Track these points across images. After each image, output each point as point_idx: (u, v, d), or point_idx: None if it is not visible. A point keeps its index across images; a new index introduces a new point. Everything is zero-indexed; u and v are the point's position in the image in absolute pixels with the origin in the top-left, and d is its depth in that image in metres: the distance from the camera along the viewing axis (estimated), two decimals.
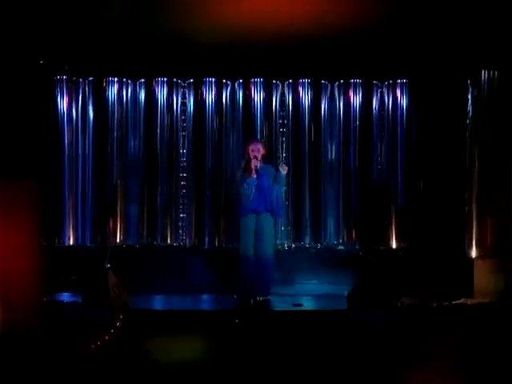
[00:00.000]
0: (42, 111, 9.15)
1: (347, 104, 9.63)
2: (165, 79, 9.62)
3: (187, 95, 9.65)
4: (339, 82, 9.63)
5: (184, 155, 9.66)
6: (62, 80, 9.55)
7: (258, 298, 8.13)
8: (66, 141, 9.55)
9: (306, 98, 9.61)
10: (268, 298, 8.21)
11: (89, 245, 9.54)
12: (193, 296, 8.60)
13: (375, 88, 9.60)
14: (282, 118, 9.68)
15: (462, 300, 8.21)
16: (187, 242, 9.63)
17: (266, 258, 8.25)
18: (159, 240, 9.61)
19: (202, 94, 9.63)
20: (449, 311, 7.71)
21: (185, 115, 9.67)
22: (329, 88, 9.64)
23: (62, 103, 9.55)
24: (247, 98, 9.64)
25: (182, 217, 9.65)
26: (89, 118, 9.61)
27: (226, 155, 9.59)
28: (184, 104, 9.66)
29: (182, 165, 9.65)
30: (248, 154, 8.29)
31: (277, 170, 8.34)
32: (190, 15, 7.82)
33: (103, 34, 8.45)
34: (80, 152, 9.56)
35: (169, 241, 9.62)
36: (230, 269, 8.57)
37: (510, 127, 8.73)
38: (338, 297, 7.94)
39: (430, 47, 8.73)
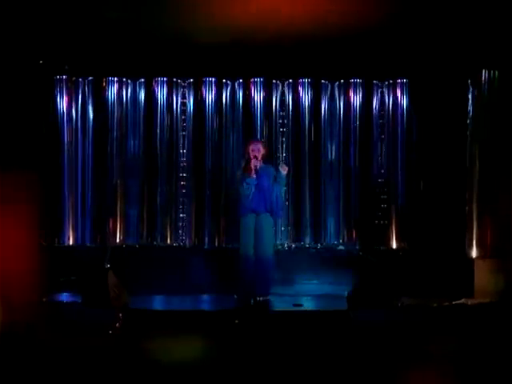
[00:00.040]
0: (41, 111, 9.15)
1: (347, 104, 9.62)
2: (165, 79, 9.62)
3: (187, 95, 9.64)
4: (339, 82, 9.62)
5: (184, 155, 9.66)
6: (61, 80, 9.54)
7: (258, 298, 8.12)
8: (66, 141, 9.54)
9: (306, 97, 9.60)
10: (268, 298, 8.21)
11: (88, 245, 9.53)
12: (193, 296, 8.60)
13: (375, 88, 9.59)
14: (282, 117, 9.67)
15: (463, 300, 8.21)
16: (187, 242, 9.62)
17: (266, 258, 8.25)
18: (159, 240, 9.60)
19: (202, 93, 9.63)
20: (449, 311, 7.70)
21: (185, 115, 9.66)
22: (329, 88, 9.63)
23: (62, 103, 9.54)
24: (247, 97, 9.63)
25: (182, 217, 9.65)
26: (89, 117, 9.60)
27: (226, 155, 9.58)
28: (184, 104, 9.66)
29: (181, 165, 9.64)
30: (248, 153, 8.29)
31: (277, 170, 8.33)
32: (189, 15, 7.81)
33: (103, 34, 8.44)
34: (80, 152, 9.56)
35: (169, 241, 9.61)
36: (230, 269, 8.57)
37: (510, 127, 8.72)
38: (338, 297, 7.93)
39: (430, 47, 8.72)
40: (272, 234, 8.51)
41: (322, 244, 9.58)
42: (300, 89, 9.61)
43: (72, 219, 9.52)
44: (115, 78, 9.58)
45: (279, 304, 8.05)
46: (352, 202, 9.58)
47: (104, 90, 9.59)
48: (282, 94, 9.66)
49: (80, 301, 7.63)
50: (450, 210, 9.08)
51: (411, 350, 6.21)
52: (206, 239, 9.59)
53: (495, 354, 6.08)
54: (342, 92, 9.61)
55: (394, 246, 9.52)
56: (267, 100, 9.63)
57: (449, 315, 7.46)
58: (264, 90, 9.62)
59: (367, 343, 6.40)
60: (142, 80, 9.63)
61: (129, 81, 9.62)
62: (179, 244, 9.62)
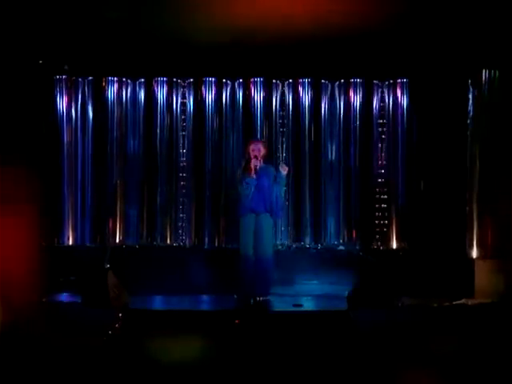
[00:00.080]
0: (41, 111, 9.13)
1: (347, 104, 9.61)
2: (164, 79, 9.61)
3: (187, 95, 9.64)
4: (339, 82, 9.62)
5: (184, 155, 9.65)
6: (61, 80, 9.54)
7: (258, 299, 8.11)
8: (66, 141, 9.54)
9: (306, 97, 9.60)
10: (268, 298, 8.20)
11: (88, 245, 9.53)
12: (192, 296, 8.58)
13: (376, 88, 9.59)
14: (282, 117, 9.67)
15: (463, 300, 8.20)
16: (187, 242, 9.62)
17: (266, 258, 8.24)
18: (159, 240, 9.59)
19: (202, 93, 9.62)
20: (449, 311, 7.70)
21: (185, 115, 9.65)
22: (329, 88, 9.62)
23: (62, 103, 9.54)
24: (247, 97, 9.63)
25: (182, 217, 9.64)
26: (88, 117, 9.60)
27: (225, 155, 9.57)
28: (184, 104, 9.65)
29: (181, 165, 9.64)
30: (248, 153, 8.29)
31: (277, 170, 8.32)
32: (189, 15, 7.80)
33: (103, 34, 8.43)
34: (79, 152, 9.56)
35: (168, 241, 9.61)
36: (230, 269, 8.55)
37: (510, 127, 8.71)
38: (338, 297, 7.93)
39: (430, 47, 8.71)
40: (272, 234, 8.50)
41: (322, 244, 9.58)
42: (300, 89, 9.61)
43: (72, 219, 9.52)
44: (115, 78, 9.58)
45: (279, 304, 8.04)
46: (352, 202, 9.58)
47: (104, 90, 9.59)
48: (282, 93, 9.66)
49: (80, 301, 7.62)
50: (451, 210, 9.08)
51: (411, 350, 6.21)
52: (206, 239, 9.58)
53: (495, 354, 6.07)
54: (342, 92, 9.61)
55: (395, 246, 9.51)
56: (267, 100, 9.63)
57: (449, 315, 7.46)
58: (264, 90, 9.61)
59: (367, 343, 6.40)
60: (142, 80, 9.63)
61: (129, 81, 9.62)
62: (179, 244, 9.62)
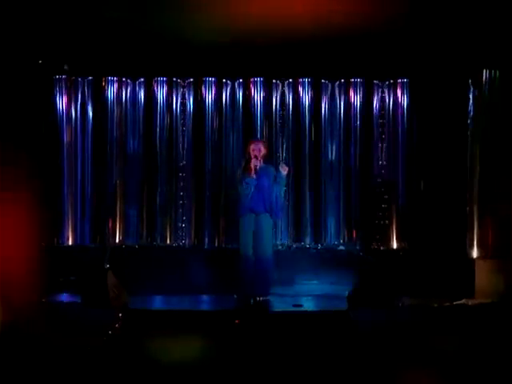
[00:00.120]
0: (41, 111, 9.13)
1: (348, 104, 9.61)
2: (164, 79, 9.61)
3: (187, 95, 9.63)
4: (340, 82, 9.62)
5: (184, 155, 9.64)
6: (61, 79, 9.54)
7: (258, 299, 8.11)
8: (66, 141, 9.54)
9: (306, 97, 9.59)
10: (268, 298, 8.19)
11: (88, 245, 9.51)
12: (192, 296, 8.57)
13: (376, 87, 9.59)
14: (282, 117, 9.66)
15: (463, 300, 8.19)
16: (187, 243, 9.61)
17: (266, 258, 8.23)
18: (159, 240, 9.59)
19: (202, 93, 9.62)
20: (450, 312, 7.69)
21: (184, 115, 9.65)
22: (329, 87, 9.62)
23: (62, 103, 9.54)
24: (247, 97, 9.62)
25: (182, 217, 9.63)
26: (88, 117, 9.60)
27: (225, 155, 9.57)
28: (184, 104, 9.65)
29: (181, 165, 9.63)
30: (248, 153, 8.28)
31: (277, 170, 8.31)
32: (189, 15, 7.80)
33: (102, 34, 8.43)
34: (79, 152, 9.56)
35: (168, 241, 9.60)
36: (230, 269, 8.54)
37: (511, 127, 8.71)
38: (338, 297, 7.92)
39: (430, 47, 8.71)
40: (271, 235, 8.49)
41: (322, 244, 9.57)
42: (300, 88, 9.60)
43: (72, 219, 9.52)
44: (115, 78, 9.58)
45: (279, 304, 8.03)
46: (352, 201, 9.58)
47: (104, 90, 9.59)
48: (282, 93, 9.65)
49: (80, 301, 7.62)
50: (451, 210, 9.07)
51: (412, 351, 6.20)
52: (206, 239, 9.58)
53: (496, 354, 6.07)
54: (342, 92, 9.60)
55: (395, 246, 9.51)
56: (267, 100, 9.62)
57: (449, 315, 7.46)
58: (264, 90, 9.61)
59: (367, 343, 6.39)
60: (142, 80, 9.63)
61: (128, 81, 9.62)
62: (179, 244, 9.61)
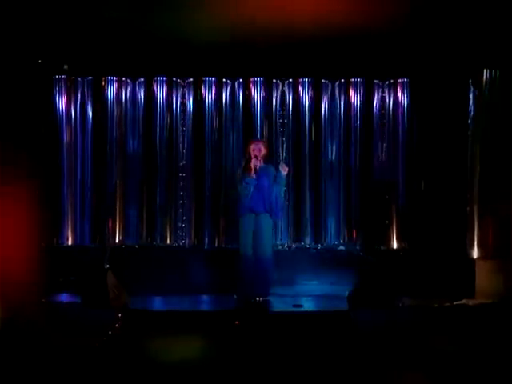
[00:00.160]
0: (40, 111, 9.12)
1: (348, 103, 9.60)
2: (164, 78, 9.60)
3: (187, 95, 9.62)
4: (340, 81, 9.61)
5: (183, 155, 9.63)
6: (60, 79, 9.52)
7: (258, 299, 8.10)
8: (65, 140, 9.53)
9: (306, 97, 9.58)
10: (268, 298, 8.18)
11: (88, 245, 9.50)
12: (192, 296, 8.56)
13: (376, 87, 9.58)
14: (282, 117, 9.65)
15: (464, 301, 8.19)
16: (187, 243, 9.60)
17: (265, 258, 8.22)
18: (159, 240, 9.58)
19: (202, 93, 9.61)
20: (450, 312, 7.68)
21: (184, 115, 9.64)
22: (329, 87, 9.61)
23: (61, 103, 9.52)
24: (247, 97, 9.61)
25: (182, 217, 9.62)
26: (88, 117, 9.58)
27: (225, 155, 9.56)
28: (183, 103, 9.64)
29: (181, 165, 9.62)
30: (249, 153, 8.28)
31: (277, 170, 8.31)
32: (189, 15, 7.79)
33: (102, 34, 8.42)
34: (79, 152, 9.54)
35: (168, 241, 9.59)
36: (230, 269, 8.53)
37: (511, 127, 8.70)
38: (338, 297, 7.91)
39: (431, 46, 8.70)
40: (271, 235, 8.48)
41: (322, 244, 9.57)
42: (300, 88, 9.59)
43: (71, 219, 9.51)
44: (114, 78, 9.56)
45: (279, 305, 8.02)
46: (352, 201, 9.57)
47: (103, 90, 9.58)
48: (282, 93, 9.64)
49: (79, 301, 7.61)
50: (451, 210, 9.06)
51: (412, 351, 6.19)
52: (206, 239, 9.57)
53: (496, 354, 6.06)
54: (342, 91, 9.59)
55: (395, 246, 9.50)
56: (267, 100, 9.61)
57: (450, 316, 7.45)
58: (264, 90, 9.60)
59: (368, 344, 6.38)
60: (142, 79, 9.61)
61: (128, 80, 9.61)
62: (179, 244, 9.60)
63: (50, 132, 9.40)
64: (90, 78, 9.56)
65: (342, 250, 9.50)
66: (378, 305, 7.35)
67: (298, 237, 9.62)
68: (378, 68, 9.33)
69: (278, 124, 9.66)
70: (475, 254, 8.90)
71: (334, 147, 9.60)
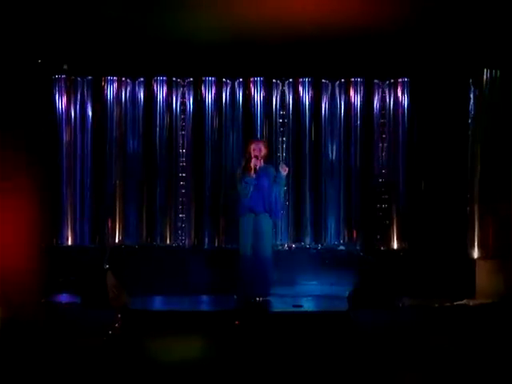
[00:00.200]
0: (40, 111, 9.10)
1: (348, 103, 9.58)
2: (164, 78, 9.58)
3: (187, 94, 9.61)
4: (340, 81, 9.59)
5: (183, 155, 9.62)
6: (60, 79, 9.50)
7: (258, 299, 8.09)
8: (65, 140, 9.51)
9: (306, 97, 9.57)
10: (268, 298, 8.18)
11: (87, 245, 9.49)
12: (192, 297, 8.56)
13: (376, 87, 9.56)
14: (283, 117, 9.64)
15: (464, 301, 8.18)
16: (187, 243, 9.58)
17: (265, 258, 8.23)
18: (158, 240, 9.56)
19: (202, 93, 9.59)
20: (450, 312, 7.68)
21: (184, 115, 9.62)
22: (329, 87, 9.60)
23: (61, 103, 9.51)
24: (247, 97, 9.60)
25: (182, 217, 9.61)
26: (87, 117, 9.57)
27: (225, 155, 9.54)
28: (183, 103, 9.62)
29: (181, 164, 9.61)
30: (249, 153, 8.29)
31: (277, 170, 8.30)
32: (189, 14, 7.79)
33: (102, 33, 8.42)
34: (79, 152, 9.53)
35: (168, 241, 9.58)
36: (230, 269, 8.53)
37: (511, 127, 8.69)
38: (338, 297, 7.91)
39: (431, 46, 8.70)
40: (271, 235, 8.49)
41: (322, 244, 9.55)
42: (300, 88, 9.58)
43: (71, 219, 9.49)
44: (114, 78, 9.55)
45: (279, 305, 8.02)
46: (353, 201, 9.55)
47: (103, 90, 9.56)
48: (283, 93, 9.63)
49: (79, 301, 7.60)
50: (452, 210, 9.06)
51: (412, 351, 6.18)
52: (206, 239, 9.55)
53: (497, 354, 6.05)
54: (342, 91, 9.58)
55: (395, 246, 9.48)
56: (267, 99, 9.60)
57: (450, 316, 7.44)
58: (264, 90, 9.59)
59: (368, 344, 6.38)
60: (142, 79, 9.60)
61: (128, 80, 9.59)
62: (179, 244, 9.59)
63: (49, 132, 9.39)
64: (89, 77, 9.54)
65: (342, 250, 9.49)
66: (378, 305, 7.34)
67: (298, 237, 9.60)
68: (378, 68, 9.32)
69: (278, 124, 9.64)
70: (475, 253, 8.89)
71: (334, 147, 9.59)
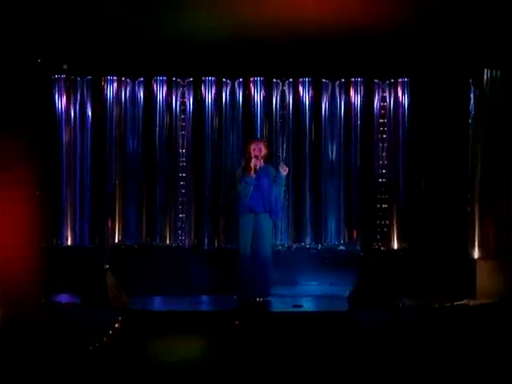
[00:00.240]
0: (39, 110, 9.09)
1: (348, 103, 9.59)
2: (164, 78, 9.58)
3: (186, 94, 9.61)
4: (340, 81, 9.59)
5: (183, 155, 9.62)
6: (60, 79, 9.50)
7: (258, 299, 8.09)
8: (64, 140, 9.51)
9: (306, 97, 9.57)
10: (268, 298, 8.17)
11: (87, 245, 9.48)
12: (192, 297, 8.56)
13: (376, 87, 9.57)
14: (283, 117, 9.64)
15: (465, 301, 8.17)
16: (186, 243, 9.58)
17: (265, 258, 8.22)
18: (158, 240, 9.56)
19: (202, 93, 9.59)
20: (451, 312, 7.67)
21: (184, 114, 9.63)
22: (330, 87, 9.60)
23: (60, 102, 9.51)
24: (247, 97, 9.60)
25: (181, 217, 9.61)
26: (87, 117, 9.57)
27: (225, 155, 9.54)
28: (183, 103, 9.63)
29: (181, 164, 9.61)
30: (249, 153, 8.29)
31: (277, 170, 8.30)
32: (189, 14, 7.79)
33: (102, 33, 8.42)
34: (78, 151, 9.53)
35: (168, 241, 9.58)
36: (230, 269, 8.53)
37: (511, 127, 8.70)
38: (338, 298, 7.91)
39: (431, 46, 8.70)
40: (271, 235, 8.48)
41: (322, 244, 9.55)
42: (300, 88, 9.58)
43: (71, 219, 9.49)
44: (114, 77, 9.55)
45: (279, 305, 8.02)
46: (353, 201, 9.55)
47: (103, 90, 9.56)
48: (283, 93, 9.63)
49: (79, 302, 7.59)
50: (452, 210, 9.06)
51: (412, 351, 6.17)
52: (206, 240, 9.55)
53: (497, 354, 6.05)
54: (342, 91, 9.58)
55: (396, 246, 9.49)
56: (267, 99, 9.60)
57: (450, 316, 7.43)
58: (264, 90, 9.59)
59: (368, 344, 6.37)
60: (141, 79, 9.60)
61: (128, 80, 9.59)
62: (178, 244, 9.59)
63: (49, 132, 9.38)
64: (89, 77, 9.54)
65: (342, 250, 9.49)
66: (379, 305, 7.33)
67: (298, 237, 9.60)
68: (378, 68, 9.32)
69: (278, 124, 9.64)
70: (476, 254, 8.89)
71: (335, 147, 9.58)
